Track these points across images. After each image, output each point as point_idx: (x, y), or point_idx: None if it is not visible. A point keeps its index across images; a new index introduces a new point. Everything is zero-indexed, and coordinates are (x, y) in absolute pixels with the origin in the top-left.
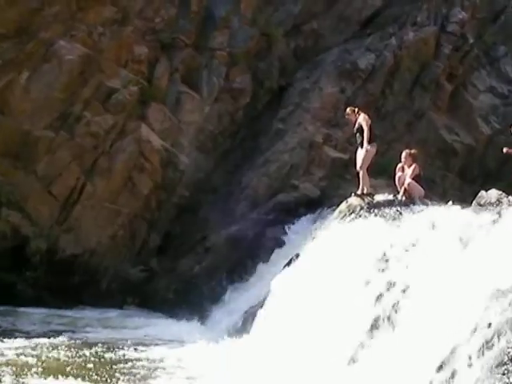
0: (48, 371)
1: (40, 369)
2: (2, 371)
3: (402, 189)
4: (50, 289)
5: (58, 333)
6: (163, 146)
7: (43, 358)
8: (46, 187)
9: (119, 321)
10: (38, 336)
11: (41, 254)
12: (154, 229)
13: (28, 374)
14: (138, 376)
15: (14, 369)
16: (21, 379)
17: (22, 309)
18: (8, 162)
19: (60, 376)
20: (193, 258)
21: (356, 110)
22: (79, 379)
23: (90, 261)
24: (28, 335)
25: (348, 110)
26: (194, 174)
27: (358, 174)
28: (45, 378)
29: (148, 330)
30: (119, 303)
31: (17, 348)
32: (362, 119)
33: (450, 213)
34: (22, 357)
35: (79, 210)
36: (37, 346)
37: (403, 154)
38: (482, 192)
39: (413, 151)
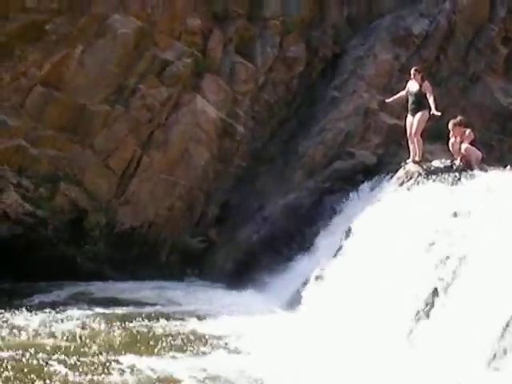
0: (107, 344)
1: (99, 342)
2: (63, 345)
3: (459, 154)
4: (109, 262)
5: (117, 305)
6: (219, 116)
7: (102, 332)
8: (103, 161)
9: (178, 292)
10: (96, 308)
11: (100, 228)
12: (211, 199)
13: (86, 348)
14: (195, 348)
15: (75, 344)
16: (80, 354)
17: (81, 282)
18: (65, 136)
19: (120, 350)
20: (251, 228)
21: (423, 75)
22: (136, 353)
23: (149, 233)
24: (87, 308)
25: (415, 68)
26: (250, 143)
27: (408, 140)
28: (105, 352)
29: (207, 300)
30: (178, 275)
31: (77, 319)
32: (428, 86)
33: (508, 177)
34: (81, 330)
35: (137, 183)
36: (96, 318)
37: (450, 125)
38: None
39: (458, 119)
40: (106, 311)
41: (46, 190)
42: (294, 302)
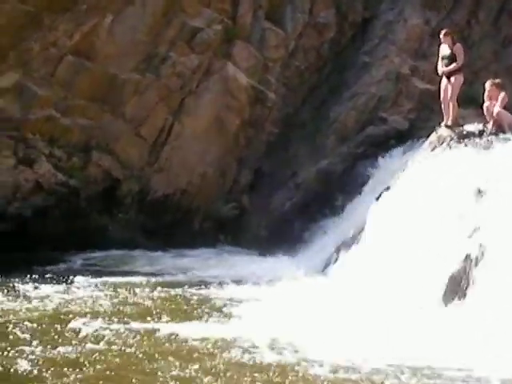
0: (138, 311)
1: (130, 310)
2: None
3: (492, 118)
4: (142, 230)
5: (154, 274)
6: (250, 83)
7: (132, 300)
8: (135, 129)
9: (212, 259)
10: (131, 276)
11: (132, 196)
12: (243, 166)
13: (118, 316)
14: (224, 313)
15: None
16: (110, 321)
17: (115, 251)
18: (96, 105)
19: (150, 316)
20: (283, 195)
21: (454, 36)
22: (168, 319)
23: (182, 200)
24: (121, 276)
25: (444, 32)
26: (281, 110)
27: (442, 104)
28: (134, 320)
29: (239, 267)
30: (212, 242)
31: (111, 286)
32: (459, 49)
33: None
34: (114, 298)
35: (168, 151)
36: (127, 286)
37: (487, 84)
38: None
39: (497, 80)
40: (137, 279)
41: (79, 159)
42: (325, 267)
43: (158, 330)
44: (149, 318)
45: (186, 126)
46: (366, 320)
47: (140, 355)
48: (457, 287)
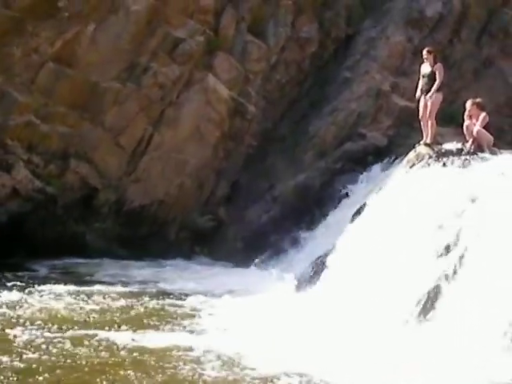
0: (97, 320)
1: (87, 318)
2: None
3: (471, 137)
4: (118, 239)
5: (124, 283)
6: (230, 95)
7: (98, 308)
8: (114, 138)
9: (186, 270)
10: (98, 285)
11: (109, 205)
12: (221, 178)
13: (73, 323)
14: (185, 325)
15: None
16: (63, 329)
17: (90, 259)
18: (76, 113)
19: (108, 326)
20: (260, 207)
21: (436, 55)
22: (126, 328)
23: (158, 211)
24: (87, 284)
25: (427, 49)
26: (261, 123)
27: (420, 122)
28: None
29: (214, 279)
30: (188, 253)
31: (73, 294)
32: (439, 68)
33: None
34: (75, 305)
35: (147, 161)
36: (93, 294)
37: (468, 104)
38: None
39: (478, 100)
40: (103, 288)
41: (57, 166)
42: (300, 281)
43: (107, 339)
44: (106, 328)
45: (166, 137)
46: (334, 337)
47: (90, 364)
48: (430, 304)
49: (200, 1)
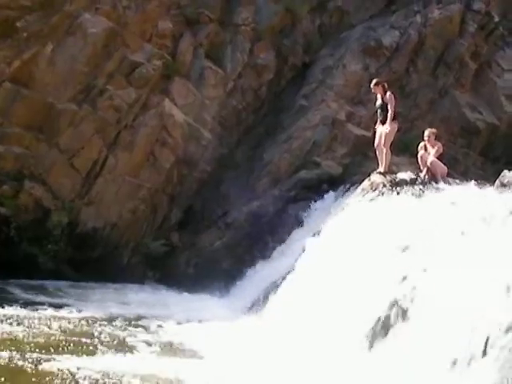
0: (41, 345)
1: (35, 343)
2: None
3: (425, 167)
4: (70, 262)
5: (71, 306)
6: (186, 120)
7: (43, 331)
8: (69, 160)
9: (136, 295)
10: (47, 307)
11: (62, 227)
12: (175, 203)
13: (20, 347)
14: (125, 350)
15: (9, 342)
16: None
17: (41, 281)
18: (31, 134)
19: (50, 349)
20: (214, 234)
21: (384, 85)
22: (69, 353)
23: (111, 234)
24: (36, 307)
25: (375, 82)
26: (216, 149)
27: (376, 151)
28: (37, 352)
29: (166, 305)
30: (140, 277)
31: (10, 318)
32: (389, 98)
33: (472, 192)
34: (18, 327)
35: (101, 184)
36: (32, 318)
37: (426, 133)
38: (505, 171)
39: (434, 130)
40: (46, 312)
41: (11, 187)
42: (252, 308)
43: (40, 363)
44: (43, 351)
45: (120, 160)
46: (279, 364)
47: None
48: (382, 332)
49: (158, 25)
